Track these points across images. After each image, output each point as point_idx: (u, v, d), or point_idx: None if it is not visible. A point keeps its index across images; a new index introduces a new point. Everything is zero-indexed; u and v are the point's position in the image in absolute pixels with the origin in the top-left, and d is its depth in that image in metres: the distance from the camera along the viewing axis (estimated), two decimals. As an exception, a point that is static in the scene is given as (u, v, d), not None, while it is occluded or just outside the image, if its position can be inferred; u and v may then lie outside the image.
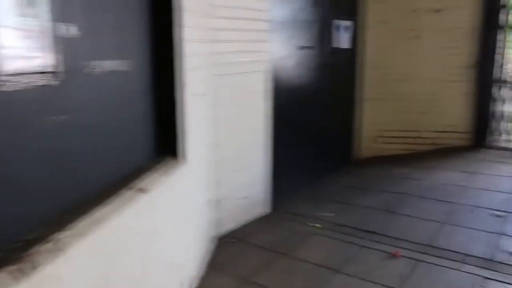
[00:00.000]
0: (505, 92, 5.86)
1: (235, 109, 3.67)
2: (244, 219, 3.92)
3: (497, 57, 5.62)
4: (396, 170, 5.29)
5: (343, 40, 5.21)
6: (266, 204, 4.16)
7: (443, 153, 5.70)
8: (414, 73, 5.73)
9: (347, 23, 5.24)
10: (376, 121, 5.89)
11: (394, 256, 3.27)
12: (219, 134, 3.54)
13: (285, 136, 4.34)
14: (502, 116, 5.88)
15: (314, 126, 4.89)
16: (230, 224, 3.78)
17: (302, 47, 4.53)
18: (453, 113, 5.76)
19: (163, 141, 2.65)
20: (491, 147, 5.80)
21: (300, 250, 3.46)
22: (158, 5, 2.47)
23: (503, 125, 5.91)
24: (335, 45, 5.10)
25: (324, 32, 4.85)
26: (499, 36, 5.60)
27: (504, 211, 3.95)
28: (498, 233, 3.57)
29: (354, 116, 5.84)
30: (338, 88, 5.29)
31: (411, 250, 3.35)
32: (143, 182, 2.21)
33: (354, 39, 5.45)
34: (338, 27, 5.10)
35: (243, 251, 3.46)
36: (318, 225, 3.86)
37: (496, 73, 5.67)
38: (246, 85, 3.75)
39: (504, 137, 5.91)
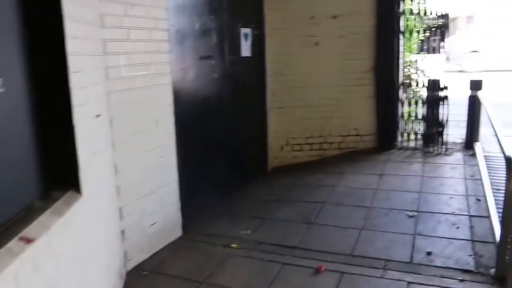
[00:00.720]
0: (404, 94, 6.11)
1: (137, 128, 3.32)
2: (156, 247, 3.57)
3: (396, 61, 5.82)
4: (308, 178, 5.24)
5: (245, 48, 5.04)
6: (179, 227, 3.84)
7: (350, 156, 5.77)
8: (316, 79, 5.74)
9: (248, 30, 5.09)
10: (282, 130, 5.80)
11: (318, 271, 3.14)
12: (121, 157, 3.16)
13: (192, 152, 4.06)
14: (402, 117, 6.11)
15: (222, 139, 4.66)
16: (141, 255, 3.41)
17: (203, 57, 4.29)
18: (356, 117, 5.86)
19: (55, 173, 2.26)
20: (395, 148, 6.00)
21: (220, 275, 3.20)
22: (36, 14, 2.08)
23: (404, 126, 6.15)
24: (236, 53, 4.91)
25: (224, 41, 4.64)
26: (397, 41, 5.82)
27: (415, 211, 4.03)
28: (413, 234, 3.62)
29: (264, 126, 5.69)
30: (243, 97, 5.11)
31: (334, 262, 3.25)
32: (30, 228, 1.81)
33: (257, 46, 5.31)
34: (239, 35, 4.93)
35: (157, 285, 3.12)
36: (235, 245, 3.63)
37: (395, 76, 5.87)
38: (147, 100, 3.41)
39: (405, 137, 6.15)
